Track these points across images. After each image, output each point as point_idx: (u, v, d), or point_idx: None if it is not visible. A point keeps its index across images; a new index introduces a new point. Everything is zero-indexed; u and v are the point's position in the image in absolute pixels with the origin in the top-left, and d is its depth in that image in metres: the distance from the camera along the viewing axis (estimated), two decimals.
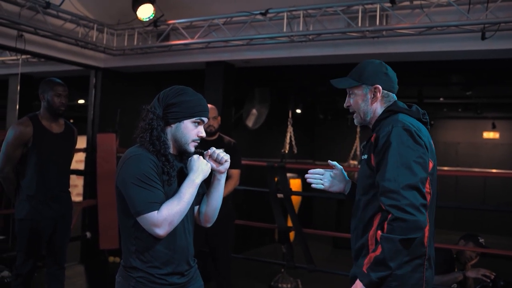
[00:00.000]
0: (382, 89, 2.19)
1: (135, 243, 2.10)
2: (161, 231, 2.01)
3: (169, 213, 2.01)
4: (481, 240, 4.02)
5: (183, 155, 2.23)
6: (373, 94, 2.20)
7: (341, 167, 2.46)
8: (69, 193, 4.06)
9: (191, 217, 2.27)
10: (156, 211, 2.00)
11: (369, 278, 1.96)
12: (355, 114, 2.28)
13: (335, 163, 2.46)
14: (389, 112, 2.17)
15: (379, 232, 1.96)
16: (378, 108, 2.21)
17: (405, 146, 1.98)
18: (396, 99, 2.24)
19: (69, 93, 3.94)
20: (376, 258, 1.94)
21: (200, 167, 2.14)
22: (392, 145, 1.98)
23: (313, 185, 2.45)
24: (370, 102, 2.21)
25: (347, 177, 2.47)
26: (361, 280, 1.98)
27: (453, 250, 4.04)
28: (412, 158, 1.97)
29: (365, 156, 2.17)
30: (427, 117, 2.23)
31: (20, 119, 3.84)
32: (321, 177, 2.45)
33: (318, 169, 2.45)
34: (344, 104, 2.30)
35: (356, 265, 2.17)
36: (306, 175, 2.45)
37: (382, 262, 1.93)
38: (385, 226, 1.94)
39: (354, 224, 2.23)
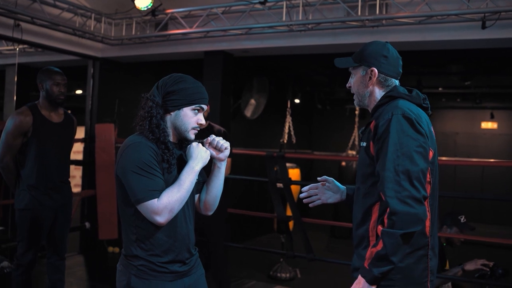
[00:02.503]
0: (379, 72, 2.12)
1: (135, 231, 2.10)
2: (162, 219, 2.01)
3: (169, 201, 2.01)
4: (463, 220, 3.99)
5: (183, 143, 2.23)
6: (369, 77, 2.14)
7: (332, 178, 2.43)
8: (69, 183, 4.05)
9: (192, 205, 2.27)
10: (156, 199, 2.00)
11: (371, 274, 1.92)
12: (354, 95, 2.24)
13: (324, 177, 2.42)
14: (388, 97, 2.10)
15: (380, 227, 1.92)
16: (376, 92, 2.16)
17: (405, 135, 1.92)
18: (397, 84, 2.17)
19: (67, 83, 3.92)
20: (378, 253, 1.90)
21: (200, 155, 2.14)
22: (391, 134, 1.93)
23: (310, 205, 2.43)
24: (366, 85, 2.16)
25: (341, 186, 2.43)
26: (363, 276, 1.95)
27: (442, 239, 4.03)
28: (412, 147, 1.92)
29: (364, 144, 2.11)
30: (428, 102, 2.16)
31: (19, 108, 3.82)
32: (316, 192, 2.43)
33: (311, 185, 2.40)
34: (346, 84, 2.26)
35: (356, 254, 2.14)
36: (302, 195, 2.43)
37: (384, 257, 1.89)
38: (385, 220, 1.90)
39: (355, 211, 2.19)
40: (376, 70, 2.12)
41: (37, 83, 3.82)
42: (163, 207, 2.00)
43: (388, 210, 1.89)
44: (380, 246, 1.90)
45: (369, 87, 2.16)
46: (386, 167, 1.92)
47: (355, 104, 2.26)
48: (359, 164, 2.16)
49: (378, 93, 2.16)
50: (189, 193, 2.09)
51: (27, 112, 3.72)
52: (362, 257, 2.05)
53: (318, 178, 2.41)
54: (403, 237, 1.87)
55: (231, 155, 4.35)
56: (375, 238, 2.01)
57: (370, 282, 1.93)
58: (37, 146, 3.72)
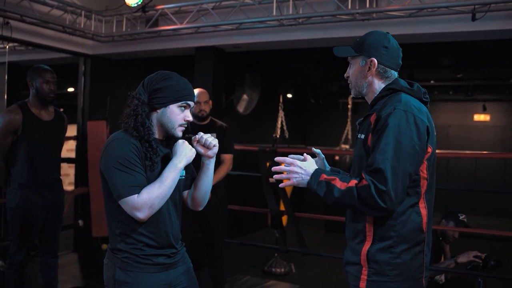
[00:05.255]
0: (378, 63, 2.09)
1: (119, 226, 2.13)
2: (142, 215, 2.03)
3: (149, 197, 2.02)
4: (462, 217, 4.02)
5: (171, 140, 2.22)
6: (369, 67, 2.10)
7: (323, 156, 2.33)
8: (60, 181, 4.04)
9: (179, 202, 2.27)
10: (137, 195, 2.01)
11: (315, 185, 2.00)
12: (351, 85, 2.21)
13: (318, 151, 2.33)
14: (389, 90, 2.07)
15: (353, 182, 1.92)
16: (375, 83, 2.12)
17: (402, 133, 1.89)
18: (397, 76, 2.14)
19: (58, 81, 3.90)
20: (350, 189, 1.91)
21: (184, 152, 2.14)
22: (388, 128, 1.90)
23: (281, 185, 2.24)
24: (365, 75, 2.11)
25: (327, 166, 2.35)
26: (308, 182, 2.02)
27: (438, 232, 4.05)
28: (407, 147, 1.89)
29: (362, 136, 2.07)
30: (428, 97, 2.13)
31: (9, 107, 3.80)
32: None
33: (297, 155, 2.21)
34: (345, 74, 2.21)
35: (350, 248, 2.12)
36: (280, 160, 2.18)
37: (331, 194, 1.95)
38: (362, 182, 1.90)
39: None
40: (375, 61, 2.09)
41: (27, 81, 3.80)
42: (142, 203, 2.01)
43: (364, 182, 1.90)
44: (345, 185, 1.93)
45: (368, 78, 2.12)
46: (376, 159, 1.89)
47: (352, 93, 2.22)
48: (356, 157, 2.12)
49: (377, 84, 2.12)
50: (172, 190, 2.10)
51: (17, 110, 3.71)
52: (356, 251, 2.05)
53: (313, 148, 2.33)
54: (356, 205, 1.92)
55: (233, 151, 4.38)
56: (372, 233, 2.00)
57: (308, 184, 2.03)
58: (27, 145, 3.71)
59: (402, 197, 1.91)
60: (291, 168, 2.05)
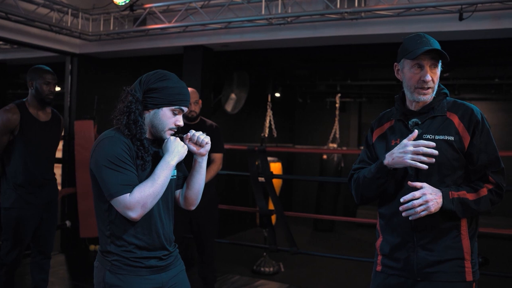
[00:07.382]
0: None
1: (109, 228, 2.09)
2: (134, 214, 1.99)
3: (142, 196, 1.99)
4: None
5: (159, 141, 2.19)
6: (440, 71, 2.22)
7: (426, 184, 2.04)
8: (55, 180, 4.03)
9: (171, 201, 2.24)
10: (129, 194, 1.98)
11: (450, 204, 2.01)
12: (429, 90, 2.12)
13: (416, 183, 2.04)
14: (444, 94, 2.20)
15: (485, 190, 2.06)
16: None
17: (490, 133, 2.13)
18: None
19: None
20: (486, 197, 2.05)
21: (176, 149, 2.11)
22: (488, 130, 2.10)
23: (412, 217, 2.03)
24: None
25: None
26: (444, 204, 2.01)
27: None
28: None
29: (448, 138, 2.06)
30: None
31: (6, 105, 3.77)
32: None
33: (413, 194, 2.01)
34: (427, 78, 2.11)
35: (428, 247, 2.08)
36: (407, 197, 2.01)
37: (468, 208, 2.03)
38: (488, 186, 2.07)
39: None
40: None
41: (27, 80, 3.81)
42: (135, 202, 1.97)
43: (490, 187, 2.08)
44: (474, 196, 2.04)
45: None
46: (499, 160, 2.10)
47: (427, 99, 2.13)
48: (442, 159, 2.05)
49: None
50: (164, 188, 2.06)
51: (14, 110, 3.69)
52: (454, 247, 2.07)
53: (409, 182, 2.04)
54: (486, 210, 2.09)
55: (223, 150, 4.36)
56: (466, 228, 2.09)
57: (444, 205, 2.02)
58: (24, 145, 3.69)
59: None
60: (426, 197, 1.97)
